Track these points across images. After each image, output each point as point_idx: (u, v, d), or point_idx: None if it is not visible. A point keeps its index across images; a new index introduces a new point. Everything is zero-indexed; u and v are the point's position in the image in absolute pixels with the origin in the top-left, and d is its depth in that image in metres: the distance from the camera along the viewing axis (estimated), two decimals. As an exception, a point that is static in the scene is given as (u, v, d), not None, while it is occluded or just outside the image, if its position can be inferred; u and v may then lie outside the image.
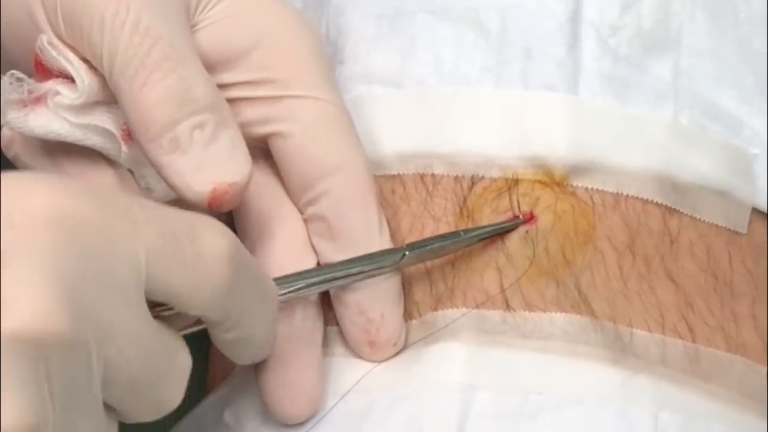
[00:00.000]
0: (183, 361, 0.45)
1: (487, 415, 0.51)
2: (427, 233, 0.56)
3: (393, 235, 0.56)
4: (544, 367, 0.52)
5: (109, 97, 0.50)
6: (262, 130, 0.52)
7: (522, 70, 0.57)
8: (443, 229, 0.55)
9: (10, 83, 0.50)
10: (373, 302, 0.53)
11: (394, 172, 0.57)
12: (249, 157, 0.49)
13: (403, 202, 0.56)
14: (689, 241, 0.56)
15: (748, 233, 0.58)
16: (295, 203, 0.53)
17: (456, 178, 0.56)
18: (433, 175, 0.56)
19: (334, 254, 0.52)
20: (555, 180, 0.55)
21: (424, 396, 0.52)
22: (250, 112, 0.52)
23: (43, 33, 0.50)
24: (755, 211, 0.58)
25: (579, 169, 0.55)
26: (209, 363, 0.65)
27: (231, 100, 0.51)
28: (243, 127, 0.50)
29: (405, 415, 0.52)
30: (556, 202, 0.55)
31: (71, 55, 0.49)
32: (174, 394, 0.45)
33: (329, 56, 0.55)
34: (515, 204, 0.55)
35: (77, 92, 0.49)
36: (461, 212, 0.55)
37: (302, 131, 0.52)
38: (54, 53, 0.49)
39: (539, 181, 0.55)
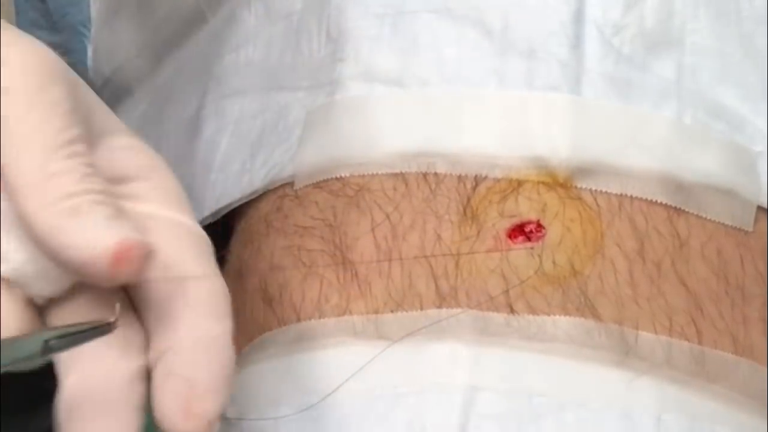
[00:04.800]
0: None
1: (489, 416, 0.51)
2: (429, 229, 0.56)
3: (394, 230, 0.56)
4: (548, 369, 0.52)
5: None
6: None
7: (525, 70, 0.57)
8: (445, 226, 0.55)
9: None
10: None
11: (396, 171, 0.57)
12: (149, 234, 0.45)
13: (404, 199, 0.57)
14: (699, 243, 0.56)
15: (755, 232, 0.57)
16: None
17: (459, 177, 0.56)
18: (435, 174, 0.56)
19: None
20: (559, 182, 0.55)
21: (426, 396, 0.52)
22: None
23: None
24: (759, 209, 0.58)
25: (582, 171, 0.55)
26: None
27: None
28: None
29: (407, 415, 0.52)
30: (564, 209, 0.55)
31: None
32: None
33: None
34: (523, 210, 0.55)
35: None
36: (465, 211, 0.55)
37: None
38: None
39: (543, 183, 0.55)
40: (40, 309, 0.45)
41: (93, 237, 0.43)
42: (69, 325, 0.44)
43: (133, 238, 0.43)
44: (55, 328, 0.44)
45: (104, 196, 0.44)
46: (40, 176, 0.43)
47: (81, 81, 0.47)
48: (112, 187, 0.46)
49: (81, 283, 0.45)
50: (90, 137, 0.46)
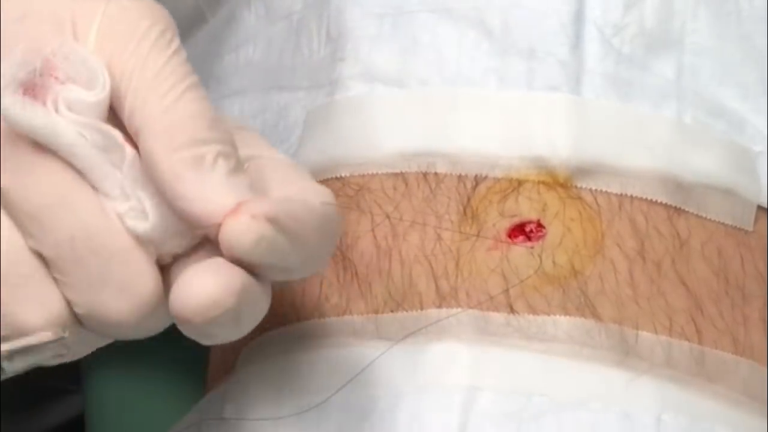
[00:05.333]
0: None
1: (489, 416, 0.51)
2: (429, 228, 0.56)
3: (394, 229, 0.56)
4: (548, 369, 0.52)
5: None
6: None
7: (525, 70, 0.57)
8: (445, 226, 0.55)
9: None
10: None
11: (396, 170, 0.57)
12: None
13: (404, 198, 0.56)
14: (699, 242, 0.56)
15: (755, 231, 0.57)
16: None
17: (459, 177, 0.56)
18: (435, 173, 0.56)
19: None
20: (559, 181, 0.55)
21: (426, 396, 0.52)
22: None
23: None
24: (760, 209, 0.58)
25: (582, 171, 0.55)
26: (209, 360, 0.65)
27: None
28: None
29: (406, 414, 0.52)
30: (564, 208, 0.55)
31: (97, 59, 0.45)
32: None
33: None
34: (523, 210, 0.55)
35: (94, 90, 0.45)
36: (464, 211, 0.55)
37: None
38: (78, 55, 0.45)
39: (543, 183, 0.55)
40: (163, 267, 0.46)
41: (212, 194, 0.44)
42: (18, 340, 0.44)
43: (248, 200, 0.44)
44: (7, 341, 0.44)
45: (229, 147, 0.45)
46: (167, 119, 0.44)
47: None
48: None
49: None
50: None
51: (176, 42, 0.45)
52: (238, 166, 0.45)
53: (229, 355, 0.59)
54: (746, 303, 0.56)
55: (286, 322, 0.56)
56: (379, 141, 0.57)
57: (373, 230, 0.56)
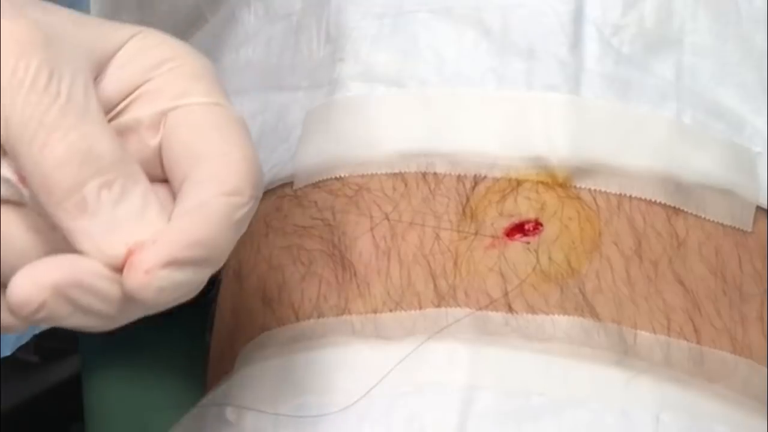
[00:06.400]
0: None
1: (488, 415, 0.51)
2: (428, 228, 0.56)
3: (393, 229, 0.56)
4: (546, 369, 0.52)
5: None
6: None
7: (524, 70, 0.57)
8: (444, 225, 0.56)
9: None
10: None
11: (396, 171, 0.57)
12: (161, 213, 0.45)
13: (403, 199, 0.57)
14: (697, 242, 0.56)
15: (754, 232, 0.57)
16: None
17: (458, 177, 0.56)
18: (435, 173, 0.56)
19: None
20: (558, 181, 0.55)
21: (425, 396, 0.52)
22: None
23: None
24: (759, 210, 0.58)
25: (582, 171, 0.55)
26: (208, 360, 0.65)
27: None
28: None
29: (405, 414, 0.52)
30: (562, 207, 0.55)
31: None
32: None
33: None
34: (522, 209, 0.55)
35: None
36: (464, 211, 0.55)
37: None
38: None
39: (542, 182, 0.55)
40: None
41: (102, 245, 0.43)
42: None
43: (139, 241, 0.43)
44: None
45: (110, 171, 0.44)
46: (39, 174, 0.43)
47: (67, 17, 0.46)
48: (122, 114, 0.46)
49: None
50: (96, 68, 0.46)
51: (34, 63, 0.43)
52: (126, 185, 0.44)
53: (229, 355, 0.59)
54: (744, 302, 0.56)
55: (284, 322, 0.56)
56: (379, 141, 0.57)
57: (372, 230, 0.56)
